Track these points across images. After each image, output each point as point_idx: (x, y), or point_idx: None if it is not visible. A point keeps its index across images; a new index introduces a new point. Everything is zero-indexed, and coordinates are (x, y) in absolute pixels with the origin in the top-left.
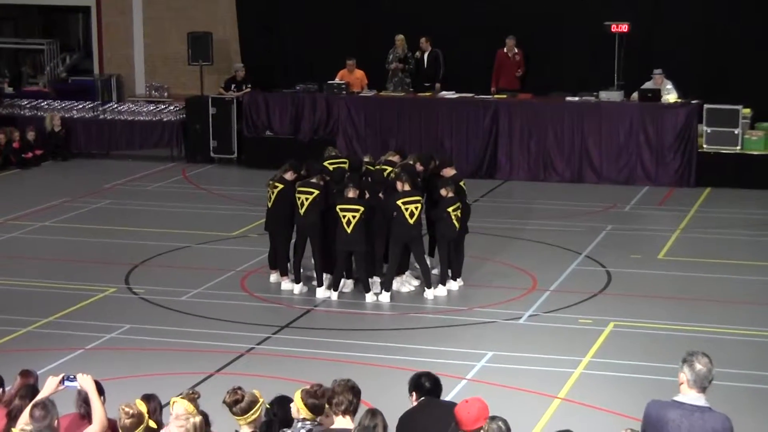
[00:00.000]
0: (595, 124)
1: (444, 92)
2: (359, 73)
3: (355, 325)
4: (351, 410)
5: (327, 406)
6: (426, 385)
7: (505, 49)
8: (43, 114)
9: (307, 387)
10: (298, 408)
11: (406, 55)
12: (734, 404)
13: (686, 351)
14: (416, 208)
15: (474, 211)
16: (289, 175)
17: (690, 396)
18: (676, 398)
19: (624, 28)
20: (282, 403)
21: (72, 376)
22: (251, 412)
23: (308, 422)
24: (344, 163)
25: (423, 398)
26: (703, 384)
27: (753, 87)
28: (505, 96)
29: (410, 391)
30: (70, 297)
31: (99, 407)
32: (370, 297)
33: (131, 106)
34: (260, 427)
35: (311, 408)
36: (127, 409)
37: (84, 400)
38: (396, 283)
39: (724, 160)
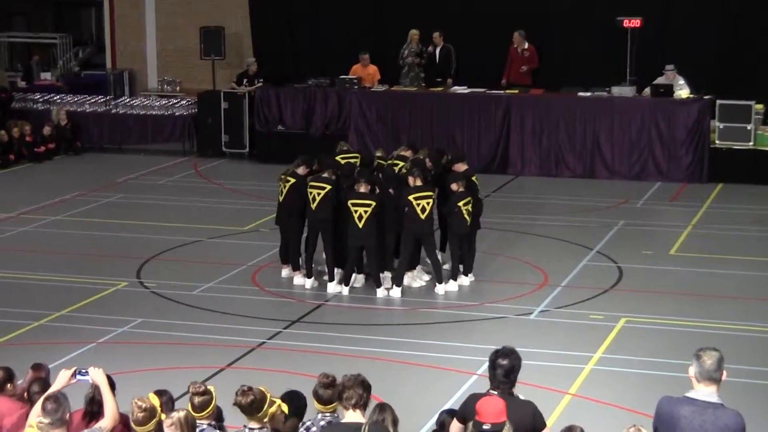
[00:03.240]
0: (607, 119)
1: (456, 87)
2: (372, 68)
3: (366, 320)
4: (361, 405)
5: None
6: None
7: (514, 44)
8: (54, 109)
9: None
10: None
11: (421, 50)
12: (747, 401)
13: (697, 347)
14: (428, 203)
15: (485, 206)
16: (301, 170)
17: (702, 392)
18: (688, 394)
19: (636, 23)
20: (292, 397)
21: (84, 370)
22: (263, 410)
23: (327, 414)
24: (356, 158)
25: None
26: (709, 376)
27: (766, 82)
28: (517, 91)
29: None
30: (82, 291)
31: (111, 401)
32: (381, 292)
33: (143, 100)
34: None
35: (320, 399)
36: (139, 403)
37: (91, 398)
38: (407, 279)
39: (737, 155)
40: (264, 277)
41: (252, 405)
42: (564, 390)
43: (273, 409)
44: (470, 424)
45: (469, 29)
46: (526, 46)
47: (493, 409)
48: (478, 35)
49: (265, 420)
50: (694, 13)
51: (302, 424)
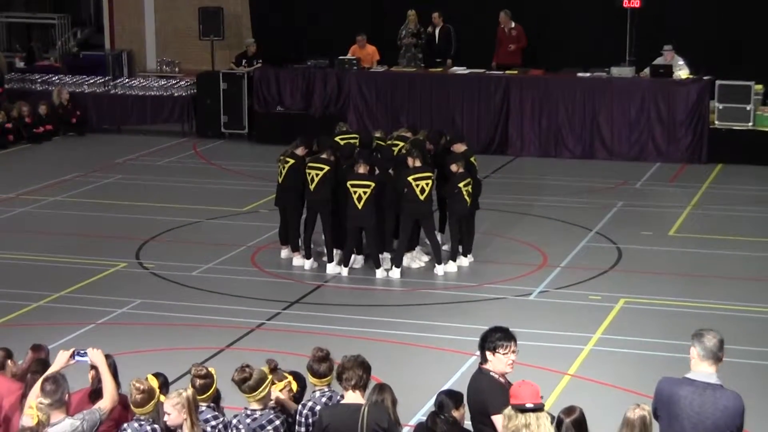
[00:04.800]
0: (606, 100)
1: (455, 68)
2: (371, 49)
3: (365, 301)
4: (361, 385)
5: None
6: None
7: (501, 25)
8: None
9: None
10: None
11: (418, 31)
12: (745, 381)
13: (696, 328)
14: (427, 184)
15: (484, 187)
16: (300, 151)
17: (701, 373)
18: (688, 375)
19: (636, 3)
20: (294, 379)
21: (83, 351)
22: (260, 389)
23: (325, 389)
24: (355, 138)
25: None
26: (711, 355)
27: (765, 63)
28: (516, 72)
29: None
30: (81, 271)
31: (110, 382)
32: (380, 273)
33: (142, 81)
34: None
35: (315, 373)
36: (138, 385)
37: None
38: (406, 259)
39: (736, 136)
40: (263, 258)
41: (244, 382)
42: (563, 371)
43: (281, 385)
44: (508, 408)
45: (469, 10)
46: (513, 25)
47: (529, 391)
48: (477, 16)
49: (270, 402)
50: None
51: (303, 405)
